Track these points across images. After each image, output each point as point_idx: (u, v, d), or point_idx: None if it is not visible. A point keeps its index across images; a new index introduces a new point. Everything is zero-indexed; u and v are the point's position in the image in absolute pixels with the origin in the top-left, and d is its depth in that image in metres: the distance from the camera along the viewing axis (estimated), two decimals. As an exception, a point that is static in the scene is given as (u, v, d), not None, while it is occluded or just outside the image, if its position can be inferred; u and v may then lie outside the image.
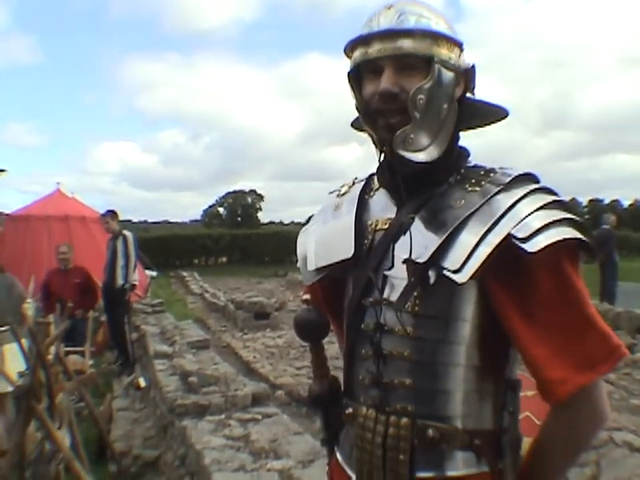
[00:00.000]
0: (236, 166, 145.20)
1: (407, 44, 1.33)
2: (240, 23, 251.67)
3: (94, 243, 13.01)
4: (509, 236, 1.24)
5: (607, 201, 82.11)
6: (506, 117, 1.51)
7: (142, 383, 7.14)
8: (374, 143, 1.45)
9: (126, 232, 9.08)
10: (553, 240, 1.22)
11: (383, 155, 1.44)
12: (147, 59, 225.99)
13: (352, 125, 1.63)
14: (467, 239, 1.27)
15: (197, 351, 7.06)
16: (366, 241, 1.49)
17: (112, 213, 9.07)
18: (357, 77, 1.45)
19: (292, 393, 7.25)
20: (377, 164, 1.52)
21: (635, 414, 5.92)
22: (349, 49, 1.45)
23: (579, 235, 1.27)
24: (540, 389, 1.29)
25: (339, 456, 1.55)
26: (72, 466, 3.85)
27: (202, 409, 4.67)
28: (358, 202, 1.56)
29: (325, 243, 1.56)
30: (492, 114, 1.52)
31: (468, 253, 1.25)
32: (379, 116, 1.39)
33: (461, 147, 1.49)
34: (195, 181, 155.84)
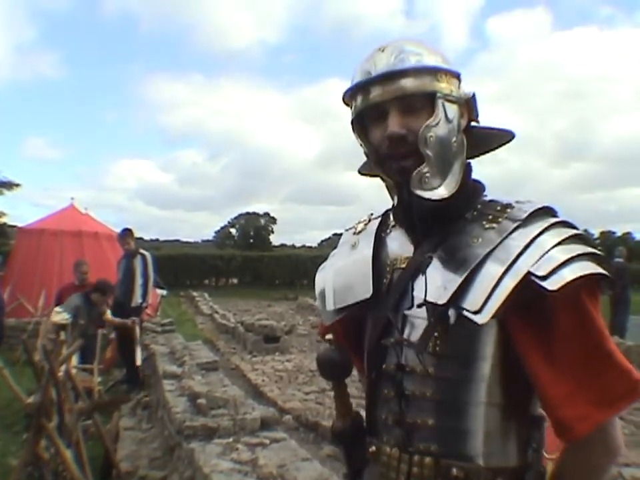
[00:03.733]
0: (251, 187, 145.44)
1: (408, 83, 1.34)
2: (264, 45, 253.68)
3: (105, 260, 13.05)
4: (529, 274, 1.23)
5: (618, 233, 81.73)
6: (512, 139, 1.50)
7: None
8: (387, 187, 1.45)
9: (143, 251, 9.16)
10: (575, 276, 1.20)
11: (397, 198, 1.43)
12: (170, 79, 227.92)
13: (359, 172, 1.63)
14: (486, 278, 1.26)
15: (206, 372, 7.04)
16: (385, 280, 1.48)
17: (130, 232, 9.14)
18: (360, 124, 1.45)
19: (300, 418, 7.21)
20: (392, 204, 1.50)
21: (646, 450, 5.86)
22: (348, 97, 1.45)
23: (600, 270, 1.24)
24: (556, 428, 1.27)
25: None
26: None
27: (210, 431, 4.65)
28: (375, 240, 1.56)
29: (343, 282, 1.56)
30: (498, 138, 1.51)
31: (488, 294, 1.24)
32: (390, 160, 1.38)
33: (475, 181, 1.48)
34: (209, 201, 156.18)
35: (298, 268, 34.82)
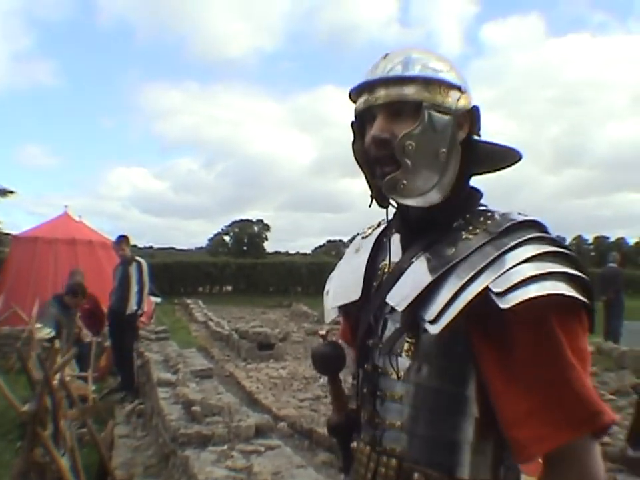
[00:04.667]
0: (247, 195, 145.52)
1: (395, 91, 1.35)
2: (260, 52, 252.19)
3: (99, 268, 13.05)
4: (487, 289, 1.20)
5: (612, 239, 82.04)
6: (519, 160, 1.48)
7: None
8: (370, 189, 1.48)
9: (139, 258, 9.17)
10: (529, 296, 1.16)
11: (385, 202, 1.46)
12: (166, 87, 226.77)
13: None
14: (447, 289, 1.24)
15: (201, 380, 7.02)
16: (375, 283, 1.51)
17: (125, 239, 9.16)
18: (360, 127, 1.47)
19: (295, 425, 7.21)
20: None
21: (640, 456, 5.85)
22: (354, 96, 1.47)
23: (568, 292, 1.18)
24: (512, 448, 1.24)
25: None
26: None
27: (205, 439, 4.64)
28: (377, 244, 1.60)
29: (340, 284, 1.63)
30: (504, 157, 1.49)
31: (444, 305, 1.23)
32: (375, 165, 1.40)
33: (473, 188, 1.47)
34: (205, 209, 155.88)
35: (292, 275, 34.81)
